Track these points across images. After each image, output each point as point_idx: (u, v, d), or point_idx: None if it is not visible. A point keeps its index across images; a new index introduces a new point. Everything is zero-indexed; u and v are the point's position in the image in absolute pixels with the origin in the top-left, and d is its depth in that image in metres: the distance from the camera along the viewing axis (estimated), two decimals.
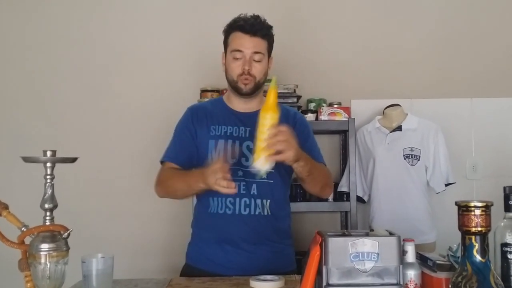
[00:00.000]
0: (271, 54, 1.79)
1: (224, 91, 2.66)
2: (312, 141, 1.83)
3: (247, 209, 1.70)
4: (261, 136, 1.44)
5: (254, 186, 1.70)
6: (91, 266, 1.16)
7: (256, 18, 1.72)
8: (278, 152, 1.44)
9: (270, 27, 1.75)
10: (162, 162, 1.81)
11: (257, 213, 1.70)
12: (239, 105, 1.80)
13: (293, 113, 1.86)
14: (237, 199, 1.69)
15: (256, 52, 1.69)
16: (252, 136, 1.67)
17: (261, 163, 1.44)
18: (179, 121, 1.85)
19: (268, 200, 1.72)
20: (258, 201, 1.71)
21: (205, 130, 1.77)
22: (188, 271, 1.75)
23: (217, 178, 1.48)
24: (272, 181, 1.72)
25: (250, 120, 1.70)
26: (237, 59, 1.70)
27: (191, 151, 1.78)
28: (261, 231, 1.71)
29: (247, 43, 1.69)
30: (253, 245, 1.70)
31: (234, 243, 1.69)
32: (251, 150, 1.68)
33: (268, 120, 1.44)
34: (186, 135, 1.79)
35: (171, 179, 1.73)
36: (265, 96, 1.87)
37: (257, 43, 1.70)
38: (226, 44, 1.77)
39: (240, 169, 1.70)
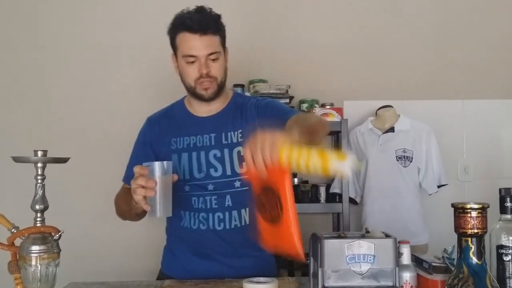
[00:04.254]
0: (226, 44, 1.58)
1: None
2: (273, 105, 1.62)
3: (222, 224, 1.56)
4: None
5: (228, 197, 1.56)
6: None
7: (201, 11, 1.50)
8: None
9: (219, 17, 1.53)
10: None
11: (232, 226, 1.56)
12: (200, 109, 1.63)
13: (247, 101, 1.64)
14: (210, 214, 1.56)
15: (211, 53, 1.50)
16: (218, 142, 1.56)
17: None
18: (138, 135, 1.71)
19: (247, 208, 1.57)
20: (234, 212, 1.56)
21: (166, 144, 1.61)
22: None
23: (135, 185, 1.30)
24: (247, 187, 1.48)
25: (214, 124, 1.59)
26: (191, 63, 1.51)
27: None
28: (239, 244, 1.58)
29: (199, 45, 1.48)
30: (232, 258, 1.58)
31: (212, 257, 1.58)
32: (218, 159, 1.56)
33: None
34: (144, 154, 1.63)
35: (118, 201, 1.61)
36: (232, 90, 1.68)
37: (209, 42, 1.49)
38: (174, 46, 1.57)
39: (209, 182, 1.56)
